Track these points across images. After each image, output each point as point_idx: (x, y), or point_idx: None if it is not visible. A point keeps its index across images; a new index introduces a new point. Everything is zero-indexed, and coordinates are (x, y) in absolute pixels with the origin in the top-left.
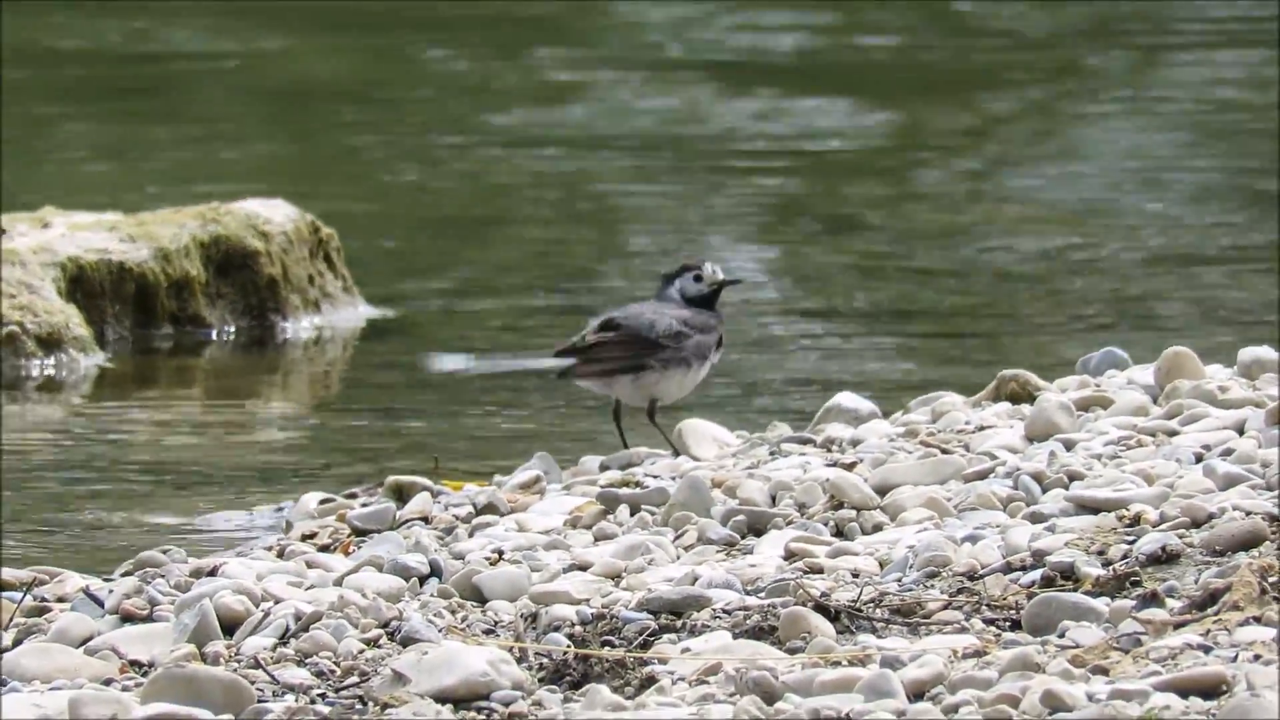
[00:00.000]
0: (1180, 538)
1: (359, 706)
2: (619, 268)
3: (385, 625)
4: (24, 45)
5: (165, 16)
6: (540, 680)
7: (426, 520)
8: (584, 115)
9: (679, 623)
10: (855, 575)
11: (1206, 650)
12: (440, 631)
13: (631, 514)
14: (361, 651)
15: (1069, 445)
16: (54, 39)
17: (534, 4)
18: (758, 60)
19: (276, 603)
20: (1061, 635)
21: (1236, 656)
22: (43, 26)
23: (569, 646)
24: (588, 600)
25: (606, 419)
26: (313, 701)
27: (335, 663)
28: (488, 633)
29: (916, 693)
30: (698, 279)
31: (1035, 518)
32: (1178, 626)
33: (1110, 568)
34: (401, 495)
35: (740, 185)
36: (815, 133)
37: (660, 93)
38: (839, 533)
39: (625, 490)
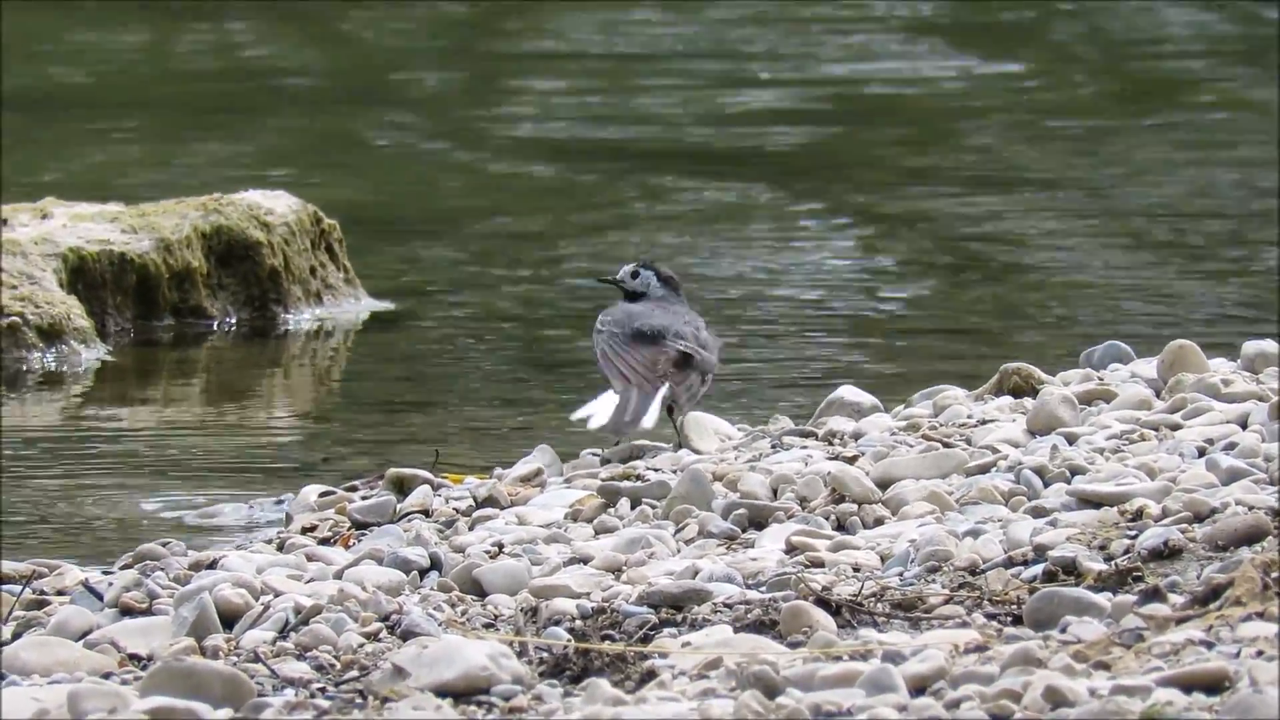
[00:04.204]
0: (1183, 532)
1: (359, 700)
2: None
3: (385, 619)
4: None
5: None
6: (540, 674)
7: (427, 513)
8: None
9: (679, 617)
10: (857, 569)
11: (1209, 646)
12: (440, 625)
13: (632, 507)
14: (361, 645)
15: (1071, 439)
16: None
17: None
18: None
19: (276, 596)
20: (1063, 630)
21: (1239, 652)
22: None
23: (569, 640)
24: (588, 594)
25: None
26: (312, 695)
27: (335, 656)
28: (488, 626)
29: (918, 688)
30: (660, 277)
31: (1037, 512)
32: (1180, 622)
33: (1112, 562)
34: (402, 488)
35: (738, 179)
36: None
37: (647, 93)
38: (840, 526)
39: (626, 483)
